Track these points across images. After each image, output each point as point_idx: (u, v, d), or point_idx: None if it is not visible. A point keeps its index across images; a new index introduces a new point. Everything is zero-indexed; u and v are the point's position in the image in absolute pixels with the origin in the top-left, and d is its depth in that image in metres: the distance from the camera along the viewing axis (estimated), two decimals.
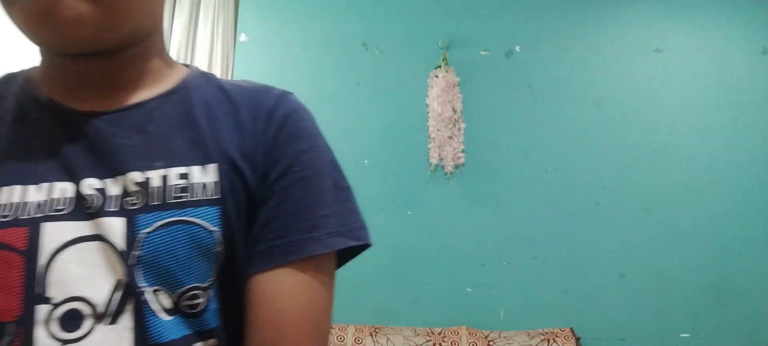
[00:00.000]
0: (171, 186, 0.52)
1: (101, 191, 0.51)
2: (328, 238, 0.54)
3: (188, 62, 2.23)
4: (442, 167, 2.30)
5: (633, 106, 2.30)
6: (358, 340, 2.07)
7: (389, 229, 2.28)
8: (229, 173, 0.54)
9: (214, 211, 0.52)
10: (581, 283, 2.22)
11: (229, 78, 1.89)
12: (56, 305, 0.47)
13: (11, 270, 0.47)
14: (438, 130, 2.29)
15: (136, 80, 0.57)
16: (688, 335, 2.17)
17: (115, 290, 0.49)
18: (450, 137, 2.29)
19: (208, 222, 0.51)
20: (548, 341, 2.07)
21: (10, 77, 0.59)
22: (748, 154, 2.25)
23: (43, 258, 0.48)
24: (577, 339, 2.08)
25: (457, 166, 2.31)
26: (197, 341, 0.51)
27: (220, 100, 0.58)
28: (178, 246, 0.50)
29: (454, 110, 2.30)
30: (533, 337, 2.09)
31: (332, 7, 2.44)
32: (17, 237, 0.48)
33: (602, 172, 2.27)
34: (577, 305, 2.21)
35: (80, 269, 0.48)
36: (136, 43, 0.56)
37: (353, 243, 0.56)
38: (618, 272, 2.22)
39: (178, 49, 2.20)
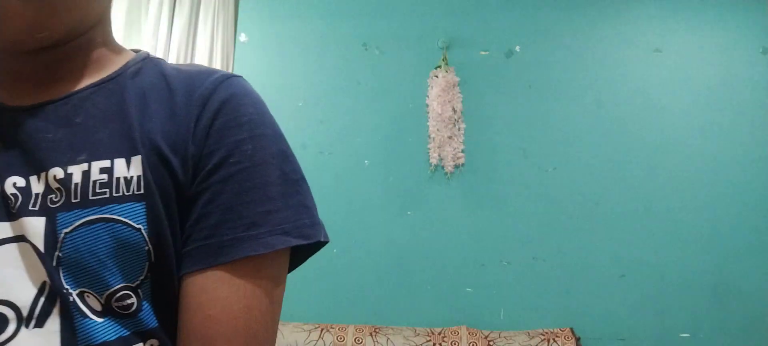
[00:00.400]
0: (92, 182, 0.48)
1: (25, 189, 0.48)
2: (269, 236, 0.49)
3: (188, 62, 2.22)
4: (442, 167, 2.30)
5: (633, 106, 2.30)
6: (358, 340, 2.07)
7: (389, 229, 2.28)
8: (157, 166, 0.49)
9: (138, 207, 0.48)
10: (581, 283, 2.22)
11: None
12: None
13: None
14: (438, 130, 2.29)
15: (76, 72, 0.53)
16: (688, 335, 2.17)
17: (40, 292, 0.46)
18: (450, 137, 2.29)
19: (133, 219, 0.47)
20: (548, 341, 2.07)
21: None
22: (748, 154, 2.25)
23: None
24: (577, 339, 2.08)
25: (457, 166, 2.31)
26: (137, 342, 0.49)
27: (158, 87, 0.53)
28: (100, 246, 0.46)
29: (454, 110, 2.30)
30: (533, 337, 2.09)
31: (332, 7, 2.44)
32: None
33: (602, 172, 2.27)
34: (577, 305, 2.20)
35: (3, 271, 0.46)
36: (77, 36, 0.52)
37: (299, 242, 0.50)
38: (618, 272, 2.22)
39: (178, 49, 2.20)
